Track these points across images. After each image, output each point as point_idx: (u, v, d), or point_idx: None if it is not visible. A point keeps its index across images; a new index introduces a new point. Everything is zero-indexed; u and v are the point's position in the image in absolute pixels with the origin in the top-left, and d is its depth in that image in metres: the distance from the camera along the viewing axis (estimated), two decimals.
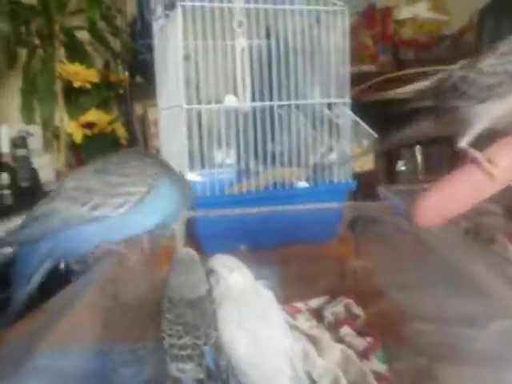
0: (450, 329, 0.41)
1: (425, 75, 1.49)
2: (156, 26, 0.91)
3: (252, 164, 0.89)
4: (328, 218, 0.72)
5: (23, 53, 1.60)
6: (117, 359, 0.46)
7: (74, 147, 1.61)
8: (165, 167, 0.49)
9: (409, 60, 1.66)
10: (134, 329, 0.48)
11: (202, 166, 0.82)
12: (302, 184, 0.84)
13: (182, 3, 0.75)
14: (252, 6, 0.78)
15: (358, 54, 1.64)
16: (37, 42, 1.60)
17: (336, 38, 0.84)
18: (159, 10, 0.82)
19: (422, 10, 1.69)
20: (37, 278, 0.46)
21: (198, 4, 0.76)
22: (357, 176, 0.88)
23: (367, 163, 0.92)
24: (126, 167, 0.45)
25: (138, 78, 1.72)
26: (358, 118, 0.87)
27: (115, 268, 0.44)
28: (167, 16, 0.82)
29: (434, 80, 0.44)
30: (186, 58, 0.84)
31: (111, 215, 0.44)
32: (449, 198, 0.34)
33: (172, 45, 0.81)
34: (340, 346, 0.50)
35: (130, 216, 0.45)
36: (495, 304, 0.34)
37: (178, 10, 0.75)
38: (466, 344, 0.39)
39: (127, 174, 0.45)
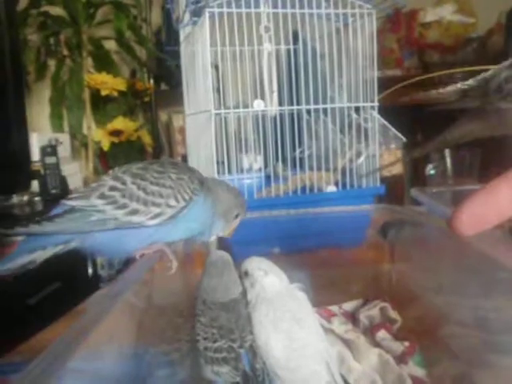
0: (488, 333, 0.40)
1: (451, 78, 1.48)
2: (182, 33, 0.92)
3: (280, 169, 0.89)
4: (357, 223, 0.72)
5: (52, 63, 1.64)
6: (152, 361, 0.46)
7: (101, 155, 1.64)
8: (206, 180, 0.49)
9: (434, 63, 1.64)
10: (168, 331, 0.48)
11: (230, 172, 0.82)
12: (331, 188, 0.84)
13: (210, 9, 0.76)
14: (279, 10, 0.78)
15: (383, 59, 1.63)
16: (65, 52, 1.64)
17: (363, 41, 0.83)
18: (186, 17, 0.83)
19: (448, 13, 1.67)
20: (26, 259, 0.44)
21: (225, 10, 0.76)
22: (385, 180, 0.87)
23: (396, 167, 0.91)
24: (166, 178, 0.45)
25: (163, 86, 1.74)
26: (386, 122, 0.86)
27: (150, 271, 0.44)
28: (195, 23, 0.83)
29: (478, 79, 0.42)
30: (215, 67, 0.85)
31: (146, 223, 0.44)
32: (490, 207, 0.33)
33: (200, 51, 0.82)
34: (377, 351, 0.49)
35: (164, 227, 0.45)
36: None
37: (206, 17, 0.76)
38: (504, 348, 0.38)
39: (167, 185, 0.45)
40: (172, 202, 0.45)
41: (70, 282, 1.18)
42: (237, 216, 0.51)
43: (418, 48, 1.72)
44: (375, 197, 0.86)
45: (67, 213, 0.43)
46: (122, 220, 0.43)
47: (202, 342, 0.45)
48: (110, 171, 0.47)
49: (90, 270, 1.39)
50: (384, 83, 1.11)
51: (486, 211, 0.32)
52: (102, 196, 0.44)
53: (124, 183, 0.44)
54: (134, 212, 0.43)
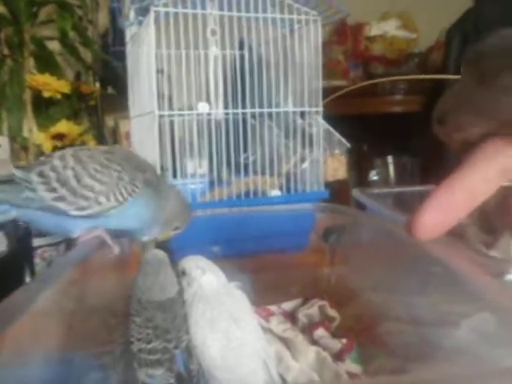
0: (423, 327, 0.41)
1: (394, 88, 1.52)
2: (128, 33, 0.91)
3: (224, 173, 0.88)
4: (301, 227, 0.72)
5: None
6: (81, 365, 0.44)
7: None
8: (159, 184, 0.49)
9: (379, 75, 1.69)
10: (100, 333, 0.46)
11: (174, 176, 0.81)
12: (275, 193, 0.84)
13: (156, 8, 0.74)
14: (225, 13, 0.78)
15: (329, 69, 1.67)
16: (6, 51, 1.57)
17: (309, 48, 0.84)
18: (132, 15, 0.82)
19: (392, 28, 1.73)
20: None
21: (171, 10, 0.75)
22: (329, 185, 0.88)
23: (340, 172, 0.92)
24: (106, 173, 0.44)
25: (110, 90, 1.70)
26: (330, 128, 0.87)
27: (80, 268, 0.43)
28: (140, 22, 0.82)
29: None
30: (161, 72, 0.84)
31: (70, 213, 0.43)
32: (448, 208, 0.33)
33: (145, 51, 0.80)
34: (314, 348, 0.49)
35: (97, 218, 0.45)
36: (468, 300, 0.34)
37: (151, 16, 0.75)
38: (438, 342, 0.38)
39: (104, 181, 0.44)
40: (102, 199, 0.44)
41: (4, 292, 1.12)
42: (176, 228, 0.50)
43: (363, 60, 1.77)
44: (319, 201, 0.87)
45: (5, 183, 0.43)
46: (48, 204, 0.43)
47: (135, 344, 0.43)
48: (66, 150, 0.47)
49: (27, 279, 1.33)
50: (330, 93, 1.13)
51: (445, 212, 0.32)
52: (41, 174, 0.43)
53: (65, 167, 0.44)
54: (61, 199, 0.43)
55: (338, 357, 0.48)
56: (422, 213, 0.32)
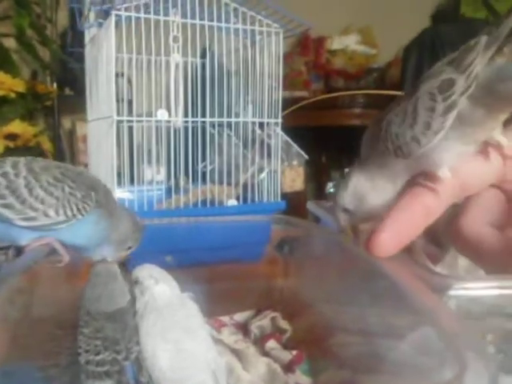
0: (372, 340, 0.42)
1: (353, 101, 1.56)
2: (88, 35, 0.89)
3: (182, 181, 0.88)
4: (256, 239, 0.72)
5: None
6: (25, 378, 0.43)
7: None
8: (110, 204, 0.48)
9: (339, 89, 1.73)
10: (46, 344, 0.45)
11: (131, 183, 0.80)
12: (232, 202, 0.84)
13: (117, 12, 0.73)
14: (188, 21, 0.78)
15: (291, 80, 1.69)
16: None
17: (270, 59, 0.85)
18: (91, 17, 0.80)
19: (353, 42, 1.77)
20: None
21: (133, 14, 0.75)
22: (286, 196, 0.89)
23: (298, 183, 0.93)
24: (59, 188, 0.43)
25: (67, 91, 1.67)
26: (289, 139, 0.88)
27: (27, 276, 0.41)
28: (100, 25, 0.80)
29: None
30: (121, 75, 0.83)
31: (16, 222, 0.42)
32: (404, 226, 0.34)
33: (104, 55, 0.79)
34: (265, 360, 0.49)
35: (33, 230, 0.44)
36: (412, 314, 0.35)
37: (112, 20, 0.74)
38: (385, 354, 0.39)
39: (55, 195, 0.43)
40: (50, 213, 0.43)
41: None
42: (129, 248, 0.50)
43: (324, 73, 1.81)
44: (276, 212, 0.88)
45: None
46: None
47: (83, 355, 0.42)
48: (19, 158, 0.45)
49: None
50: (292, 104, 1.14)
51: (403, 230, 0.33)
52: None
53: (17, 175, 0.43)
54: (9, 206, 0.42)
55: (288, 368, 0.49)
56: (380, 231, 0.33)
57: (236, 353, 0.51)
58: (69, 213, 0.44)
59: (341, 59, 1.79)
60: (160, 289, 0.45)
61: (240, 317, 0.59)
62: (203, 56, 0.90)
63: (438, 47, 1.62)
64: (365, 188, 0.37)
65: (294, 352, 0.51)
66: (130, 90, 0.85)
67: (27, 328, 0.43)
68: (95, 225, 0.46)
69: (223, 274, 0.64)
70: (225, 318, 0.57)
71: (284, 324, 0.56)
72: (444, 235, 0.38)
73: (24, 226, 0.43)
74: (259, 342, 0.53)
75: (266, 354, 0.51)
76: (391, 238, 0.33)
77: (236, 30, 0.83)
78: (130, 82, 0.86)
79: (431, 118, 0.31)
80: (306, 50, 1.80)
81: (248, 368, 0.49)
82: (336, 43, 1.78)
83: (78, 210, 0.44)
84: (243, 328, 0.57)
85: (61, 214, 0.43)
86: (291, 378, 0.47)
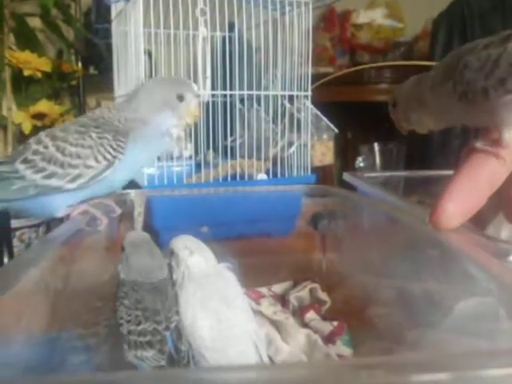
0: (414, 311, 0.41)
1: (379, 77, 1.52)
2: (114, 10, 0.88)
3: (210, 156, 0.87)
4: (287, 212, 0.71)
5: None
6: (65, 347, 0.43)
7: (22, 138, 1.54)
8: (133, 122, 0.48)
9: (365, 63, 1.69)
10: (85, 314, 0.45)
11: (159, 159, 0.80)
12: (261, 176, 0.83)
13: None
14: None
15: (316, 56, 1.66)
16: None
17: (299, 32, 0.83)
18: None
19: (379, 16, 1.73)
20: None
21: None
22: (315, 170, 0.88)
23: (327, 157, 0.92)
24: (86, 137, 0.44)
25: (92, 70, 1.67)
26: (318, 112, 0.87)
27: (66, 248, 0.42)
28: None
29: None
30: (148, 53, 0.82)
31: (65, 187, 0.43)
32: (470, 196, 0.32)
33: (132, 31, 0.78)
34: (305, 331, 0.49)
35: (84, 190, 0.45)
36: (464, 283, 0.34)
37: None
38: (429, 326, 0.39)
39: (86, 145, 0.44)
40: (91, 163, 0.43)
41: None
42: (181, 97, 0.48)
43: (350, 48, 1.77)
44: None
45: None
46: (41, 184, 0.43)
47: (125, 326, 0.43)
48: (36, 136, 0.46)
49: (5, 260, 1.30)
50: (317, 80, 1.12)
51: (469, 200, 0.31)
52: (25, 160, 0.43)
53: (46, 146, 0.44)
54: (52, 175, 0.43)
55: (328, 339, 0.48)
56: (445, 202, 0.31)
57: (275, 324, 0.51)
58: (108, 156, 0.44)
59: (367, 33, 1.74)
60: (195, 260, 0.45)
61: (278, 288, 0.58)
62: (231, 29, 0.88)
63: (468, 19, 1.56)
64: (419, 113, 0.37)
65: (335, 323, 0.50)
66: (156, 65, 0.84)
67: (67, 298, 0.43)
68: (133, 155, 0.46)
69: (256, 247, 0.64)
70: (263, 290, 0.57)
71: (323, 295, 0.55)
72: (490, 206, 0.37)
73: (71, 190, 0.43)
74: (298, 313, 0.53)
75: (305, 325, 0.51)
76: (458, 210, 0.31)
77: (264, 2, 0.81)
78: (156, 58, 0.85)
79: (510, 75, 0.30)
80: (330, 24, 1.76)
81: (287, 339, 0.49)
82: (362, 17, 1.73)
83: (116, 150, 0.44)
84: (282, 299, 0.56)
85: (101, 160, 0.44)
86: (332, 349, 0.47)
